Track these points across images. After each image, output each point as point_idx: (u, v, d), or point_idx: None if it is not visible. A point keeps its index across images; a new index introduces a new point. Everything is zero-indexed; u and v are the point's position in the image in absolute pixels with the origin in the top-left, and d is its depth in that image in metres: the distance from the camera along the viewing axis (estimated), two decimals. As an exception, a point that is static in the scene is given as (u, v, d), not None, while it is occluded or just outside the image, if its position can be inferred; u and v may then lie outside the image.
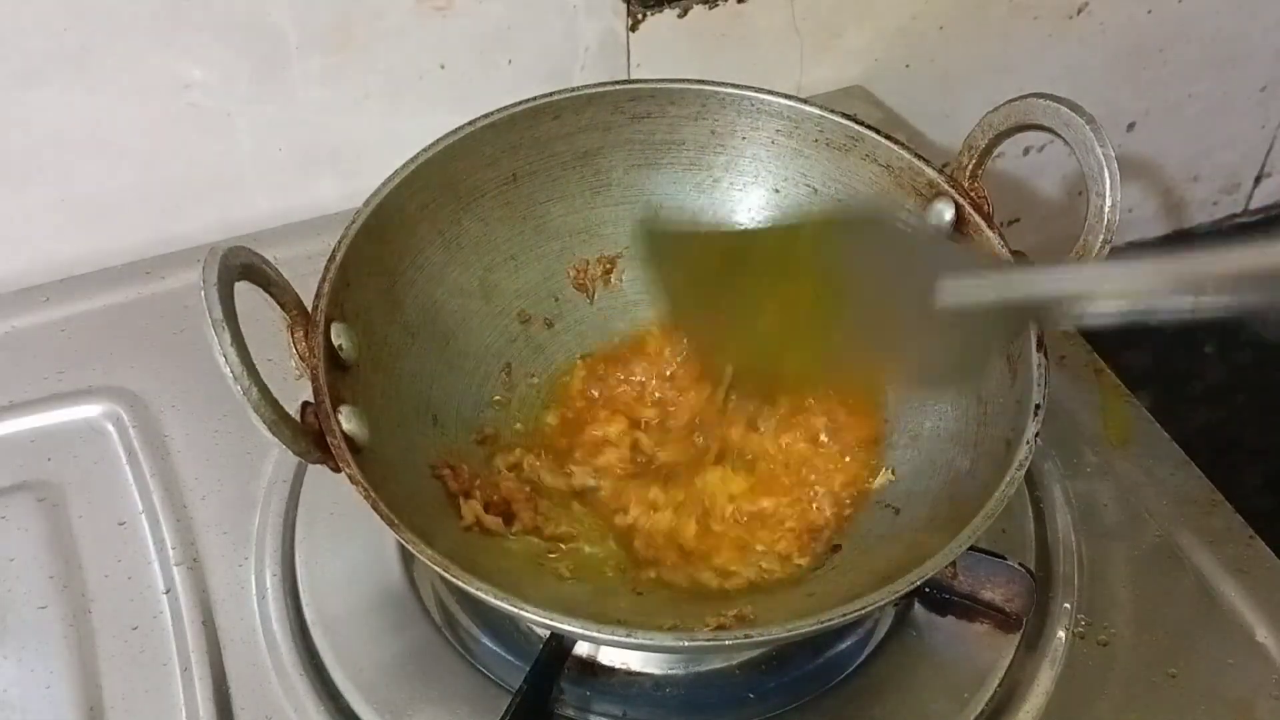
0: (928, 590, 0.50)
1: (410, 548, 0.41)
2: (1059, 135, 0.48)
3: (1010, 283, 0.46)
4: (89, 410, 0.60)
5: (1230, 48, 0.94)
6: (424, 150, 0.53)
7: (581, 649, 0.49)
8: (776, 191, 0.59)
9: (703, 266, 0.54)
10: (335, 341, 0.46)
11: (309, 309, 0.46)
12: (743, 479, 0.53)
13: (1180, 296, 0.40)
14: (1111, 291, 0.44)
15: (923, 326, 0.46)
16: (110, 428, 0.59)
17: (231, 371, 0.39)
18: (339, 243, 0.49)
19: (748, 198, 0.60)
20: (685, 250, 0.55)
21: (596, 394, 0.58)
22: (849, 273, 0.50)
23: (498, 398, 0.57)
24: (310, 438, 0.43)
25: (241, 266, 0.42)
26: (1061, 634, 0.51)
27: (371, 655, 0.50)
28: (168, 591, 0.53)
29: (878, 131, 0.55)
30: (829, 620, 0.39)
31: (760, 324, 0.52)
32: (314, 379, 0.44)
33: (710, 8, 0.73)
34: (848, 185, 0.57)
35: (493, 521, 0.50)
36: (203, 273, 0.40)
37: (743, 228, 0.59)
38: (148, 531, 0.55)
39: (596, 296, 0.60)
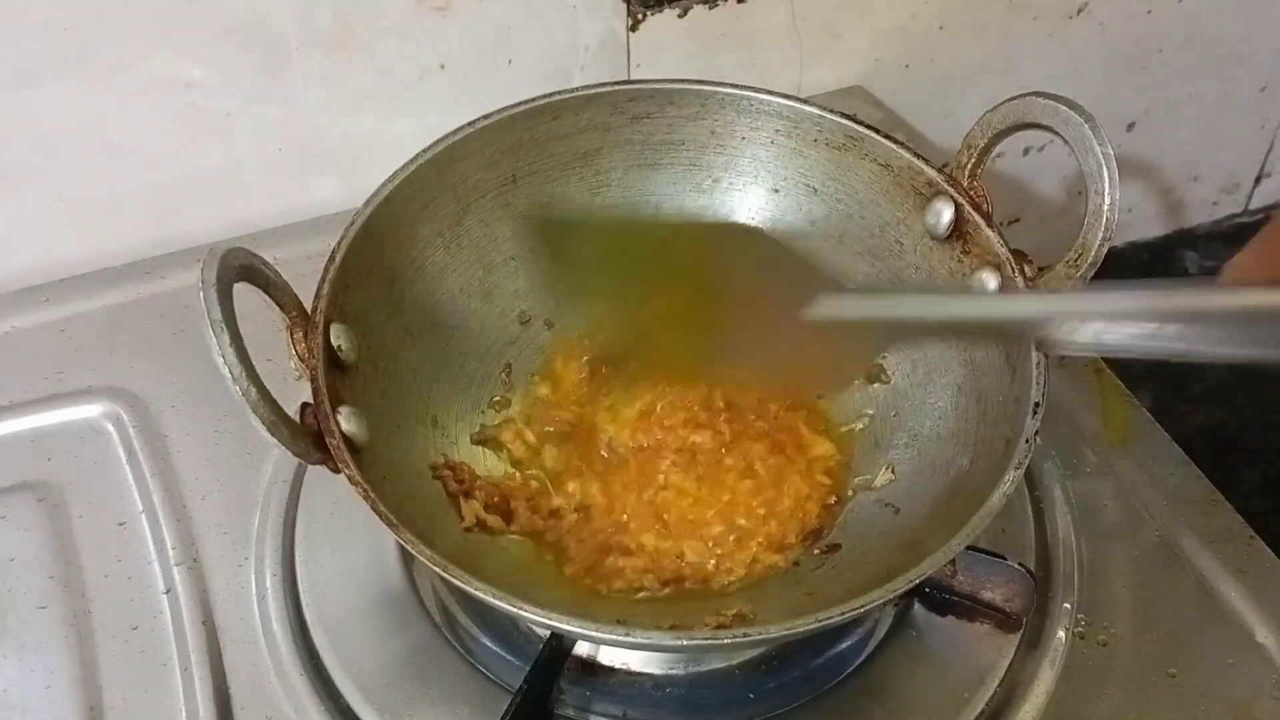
0: (927, 590, 0.50)
1: (410, 548, 0.41)
2: (1058, 135, 0.48)
3: (880, 306, 0.48)
4: (89, 410, 0.60)
5: (1230, 48, 0.94)
6: (424, 150, 0.53)
7: (581, 649, 0.49)
8: (776, 191, 0.59)
9: (590, 257, 0.56)
10: (335, 342, 0.46)
11: (309, 310, 0.46)
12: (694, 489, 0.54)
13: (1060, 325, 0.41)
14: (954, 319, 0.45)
15: (794, 333, 0.48)
16: (110, 428, 0.59)
17: (230, 372, 0.39)
18: (339, 243, 0.49)
19: (747, 198, 0.60)
20: (574, 241, 0.56)
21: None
22: (725, 277, 0.52)
23: (498, 398, 0.57)
24: (309, 438, 0.43)
25: (241, 267, 0.42)
26: (1061, 634, 0.51)
27: (371, 655, 0.50)
28: (168, 591, 0.53)
29: (877, 131, 0.55)
30: (829, 619, 0.39)
31: (645, 315, 0.54)
32: (313, 380, 0.44)
33: (710, 8, 0.73)
34: (847, 185, 0.57)
35: (494, 520, 0.51)
36: (202, 273, 0.40)
37: (631, 219, 0.60)
38: (148, 531, 0.55)
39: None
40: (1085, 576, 0.54)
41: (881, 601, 0.40)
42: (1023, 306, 0.46)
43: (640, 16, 0.72)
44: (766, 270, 0.53)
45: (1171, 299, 0.36)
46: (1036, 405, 0.45)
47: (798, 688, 0.49)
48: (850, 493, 0.54)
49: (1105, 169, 0.47)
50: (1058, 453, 0.59)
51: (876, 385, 0.57)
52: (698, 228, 0.59)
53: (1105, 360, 0.64)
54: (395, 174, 0.52)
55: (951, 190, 0.53)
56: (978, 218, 0.52)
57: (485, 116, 0.55)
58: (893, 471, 0.53)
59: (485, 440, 0.55)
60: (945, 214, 0.53)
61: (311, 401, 0.44)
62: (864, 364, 0.55)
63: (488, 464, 0.54)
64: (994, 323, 0.46)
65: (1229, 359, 0.35)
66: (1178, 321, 0.36)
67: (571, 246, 0.56)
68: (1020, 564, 0.50)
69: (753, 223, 0.60)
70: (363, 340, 0.48)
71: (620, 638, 0.40)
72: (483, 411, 0.56)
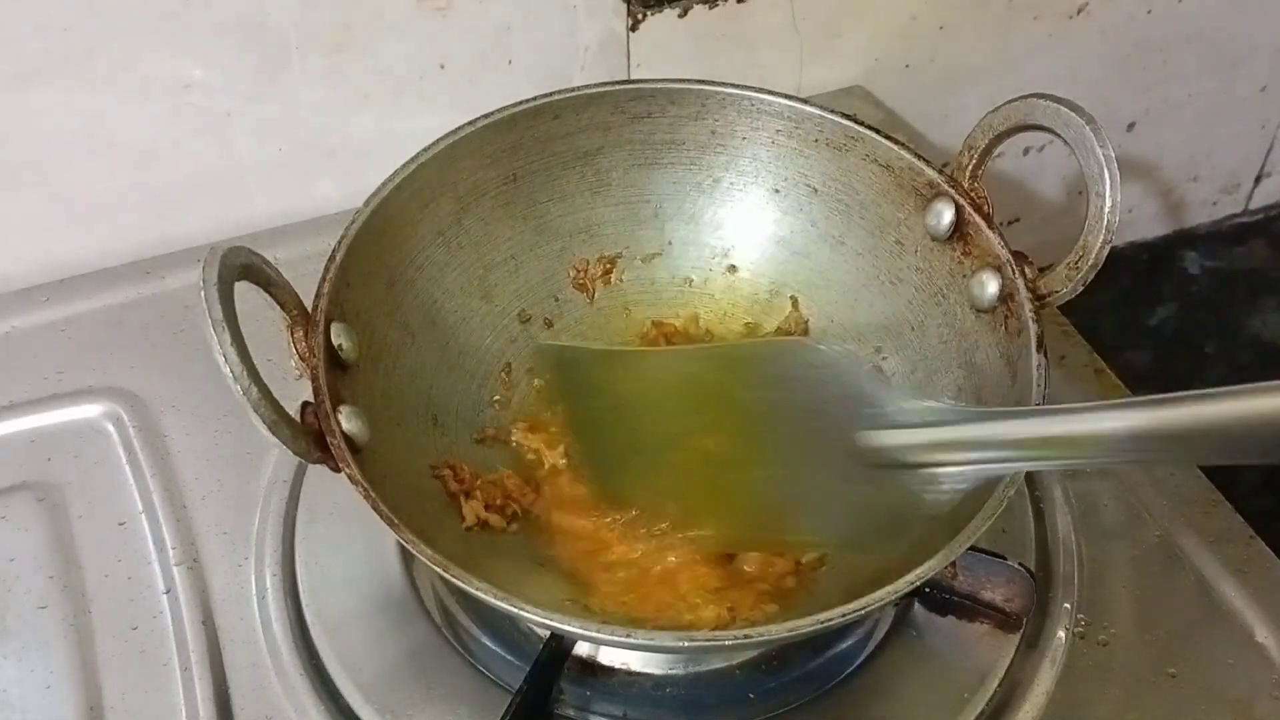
0: (928, 590, 0.50)
1: (410, 548, 0.41)
2: (1059, 135, 0.48)
3: (950, 432, 0.41)
4: (89, 410, 0.60)
5: (1230, 48, 0.94)
6: (424, 150, 0.53)
7: (581, 649, 0.49)
8: (776, 191, 0.59)
9: (607, 396, 0.51)
10: (335, 341, 0.46)
11: (309, 309, 0.46)
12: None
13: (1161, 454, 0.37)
14: (1064, 445, 0.39)
15: (844, 473, 0.43)
16: (110, 428, 0.59)
17: (231, 371, 0.39)
18: (339, 243, 0.49)
19: (748, 198, 0.60)
20: (589, 377, 0.53)
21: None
22: (767, 407, 0.46)
23: (498, 398, 0.57)
24: (310, 438, 0.43)
25: (241, 266, 0.42)
26: (1061, 634, 0.51)
27: (371, 655, 0.50)
28: (168, 591, 0.53)
29: (877, 131, 0.55)
30: (829, 620, 0.39)
31: (668, 471, 0.48)
32: (314, 379, 0.44)
33: (710, 8, 0.73)
34: (848, 185, 0.57)
35: (495, 519, 0.51)
36: (203, 273, 0.40)
37: (652, 350, 0.57)
38: (148, 531, 0.55)
39: (596, 296, 0.60)
40: (1085, 576, 0.54)
41: (883, 603, 0.40)
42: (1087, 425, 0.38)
43: (640, 16, 0.72)
44: (819, 397, 0.46)
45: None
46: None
47: (798, 688, 0.49)
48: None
49: (1106, 171, 0.47)
50: (1058, 453, 0.59)
51: (876, 385, 0.57)
52: (741, 351, 0.54)
53: (1105, 360, 0.64)
54: (395, 174, 0.52)
55: (952, 191, 0.53)
56: (978, 219, 0.52)
57: (485, 116, 0.55)
58: (893, 472, 0.53)
59: (485, 439, 0.55)
60: (946, 215, 0.53)
61: (312, 400, 0.44)
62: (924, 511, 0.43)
63: (488, 462, 0.54)
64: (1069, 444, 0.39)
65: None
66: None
67: (588, 388, 0.52)
68: (1020, 564, 0.50)
69: (799, 332, 0.57)
70: (363, 339, 0.49)
71: (620, 638, 0.39)
72: (483, 410, 0.56)
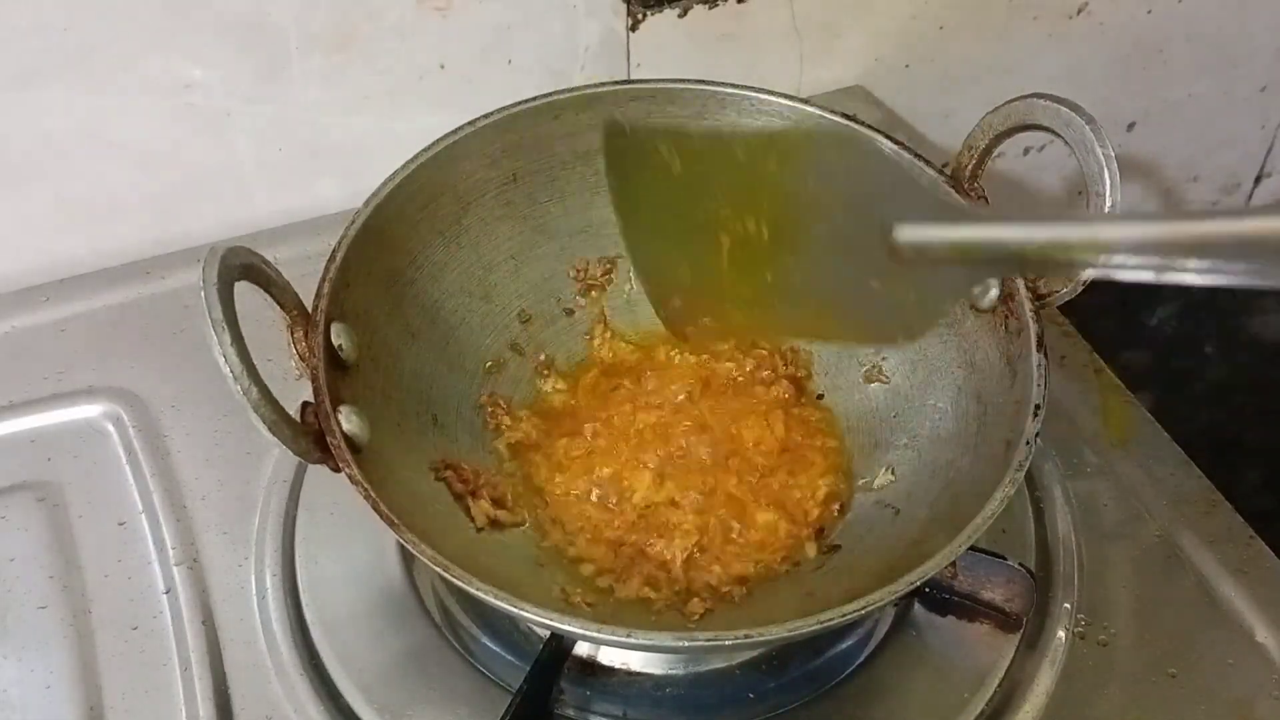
0: (928, 590, 0.50)
1: (410, 548, 0.41)
2: (1059, 135, 0.48)
3: (978, 231, 0.42)
4: (89, 410, 0.60)
5: (1230, 48, 0.94)
6: (424, 150, 0.53)
7: (581, 649, 0.49)
8: (776, 191, 0.59)
9: (663, 183, 0.50)
10: (335, 341, 0.46)
11: (309, 309, 0.46)
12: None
13: (1178, 262, 0.35)
14: (1096, 248, 0.38)
15: (879, 266, 0.44)
16: (110, 428, 0.59)
17: (231, 371, 0.39)
18: (339, 243, 0.49)
19: (748, 198, 0.60)
20: (647, 163, 0.51)
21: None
22: (814, 195, 0.47)
23: (499, 395, 0.57)
24: (310, 438, 0.43)
25: (241, 266, 0.42)
26: (1061, 634, 0.51)
27: (371, 655, 0.50)
28: (168, 591, 0.53)
29: (878, 131, 0.55)
30: (829, 620, 0.39)
31: (713, 259, 0.49)
32: (314, 379, 0.44)
33: (710, 8, 0.73)
34: (848, 185, 0.57)
35: (506, 515, 0.50)
36: (203, 273, 0.40)
37: (713, 131, 0.57)
38: (148, 531, 0.55)
39: (597, 296, 0.60)
40: (1085, 576, 0.54)
41: (883, 603, 0.40)
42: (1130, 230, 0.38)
43: (640, 16, 0.72)
44: (860, 189, 0.47)
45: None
46: (1037, 408, 0.45)
47: (798, 688, 0.49)
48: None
49: (1106, 170, 0.47)
50: (1058, 453, 0.59)
51: (876, 386, 0.57)
52: (794, 136, 0.55)
53: (1105, 360, 0.64)
54: (395, 174, 0.52)
55: (952, 191, 0.53)
56: (978, 218, 0.51)
57: (485, 116, 0.55)
58: (892, 473, 0.53)
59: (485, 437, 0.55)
60: (946, 214, 0.53)
61: (312, 400, 0.44)
62: (945, 308, 0.48)
63: (489, 461, 0.54)
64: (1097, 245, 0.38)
65: None
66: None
67: (642, 173, 0.51)
68: (1020, 564, 0.50)
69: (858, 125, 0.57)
70: (363, 339, 0.48)
71: (620, 638, 0.40)
72: (483, 409, 0.56)
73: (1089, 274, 0.44)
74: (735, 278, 0.49)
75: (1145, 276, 0.36)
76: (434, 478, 0.50)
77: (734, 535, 0.52)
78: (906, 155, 0.54)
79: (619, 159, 0.52)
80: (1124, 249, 0.36)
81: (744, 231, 0.48)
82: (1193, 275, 0.34)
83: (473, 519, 0.50)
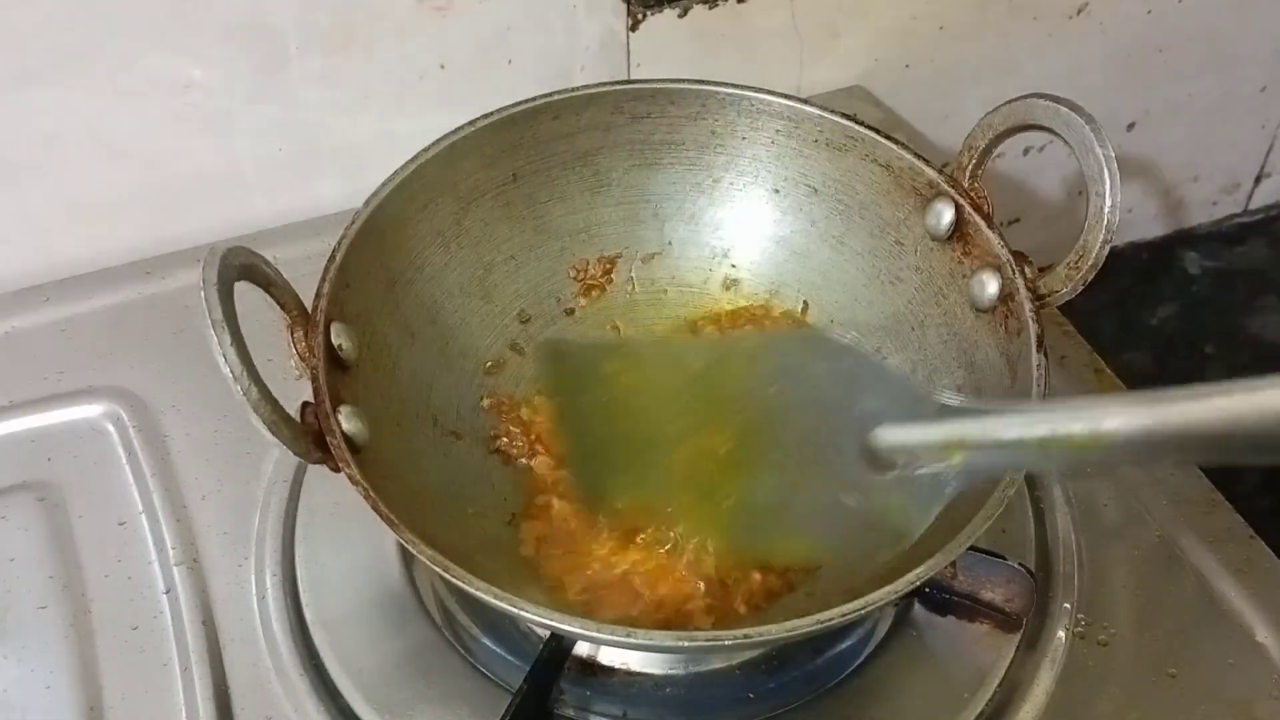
0: (928, 590, 0.50)
1: (410, 548, 0.41)
2: (1059, 135, 0.48)
3: (963, 427, 0.38)
4: (89, 410, 0.60)
5: (1230, 48, 0.94)
6: (424, 150, 0.53)
7: (581, 649, 0.49)
8: (776, 191, 0.59)
9: (602, 391, 0.48)
10: (335, 341, 0.46)
11: (309, 309, 0.46)
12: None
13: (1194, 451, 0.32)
14: (1100, 441, 0.33)
15: (857, 476, 0.40)
16: (110, 428, 0.59)
17: (231, 371, 0.39)
18: (339, 243, 0.49)
19: (747, 198, 0.60)
20: (594, 373, 0.49)
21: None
22: (779, 404, 0.44)
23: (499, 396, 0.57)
24: (310, 438, 0.43)
25: (241, 266, 0.42)
26: (1061, 634, 0.51)
27: (371, 655, 0.50)
28: (168, 591, 0.53)
29: (877, 131, 0.55)
30: (829, 620, 0.39)
31: (668, 481, 0.46)
32: (314, 379, 0.44)
33: (710, 8, 0.73)
34: (848, 185, 0.57)
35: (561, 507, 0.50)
36: (203, 273, 0.40)
37: (652, 342, 0.57)
38: (148, 531, 0.55)
39: (596, 296, 0.60)
40: (1085, 576, 0.54)
41: (883, 603, 0.40)
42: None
43: (640, 16, 0.72)
44: (831, 391, 0.44)
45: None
46: (1037, 406, 0.45)
47: (798, 688, 0.49)
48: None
49: (1106, 170, 0.47)
50: (1058, 453, 0.59)
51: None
52: (748, 343, 0.53)
53: (1105, 360, 0.64)
54: (395, 174, 0.52)
55: (952, 191, 0.53)
56: (978, 219, 0.52)
57: (485, 116, 0.55)
58: (893, 472, 0.53)
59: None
60: (946, 215, 0.53)
61: (312, 401, 0.44)
62: (934, 510, 0.41)
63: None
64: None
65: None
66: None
67: (591, 384, 0.49)
68: (1020, 564, 0.50)
69: (811, 319, 0.56)
70: (363, 339, 0.49)
71: (620, 638, 0.39)
72: (483, 410, 0.56)
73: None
74: (694, 502, 0.46)
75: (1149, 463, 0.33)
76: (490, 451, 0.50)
77: None
78: (872, 361, 0.50)
79: (560, 380, 0.51)
80: (1132, 442, 0.32)
81: (702, 448, 0.45)
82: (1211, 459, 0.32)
83: (521, 542, 0.50)
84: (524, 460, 0.52)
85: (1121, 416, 0.32)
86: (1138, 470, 0.58)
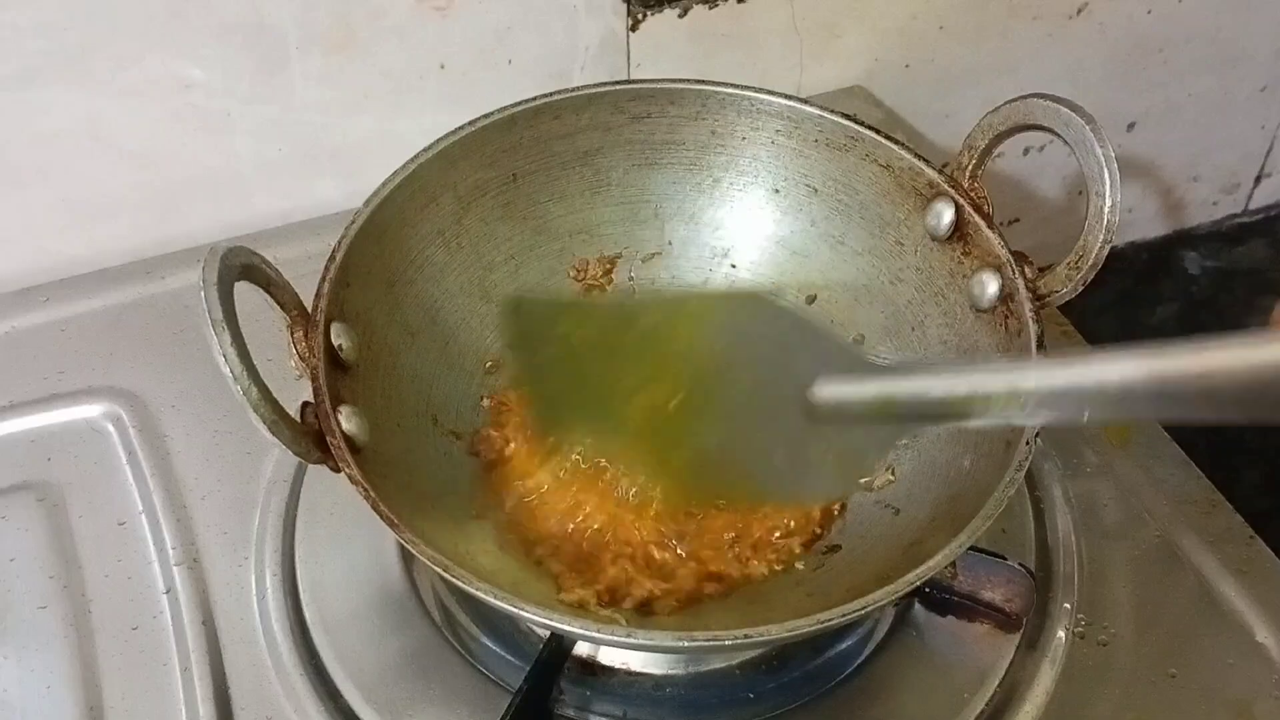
0: (928, 590, 0.50)
1: (410, 548, 0.41)
2: (1059, 135, 0.48)
3: (893, 384, 0.41)
4: (89, 410, 0.60)
5: (1230, 48, 0.94)
6: (424, 150, 0.53)
7: (581, 649, 0.49)
8: (776, 191, 0.59)
9: (567, 359, 0.51)
10: (335, 341, 0.46)
11: (309, 309, 0.46)
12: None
13: (1097, 409, 0.34)
14: (1019, 397, 0.36)
15: (797, 427, 0.43)
16: (110, 428, 0.59)
17: (231, 371, 0.39)
18: (339, 243, 0.49)
19: (748, 198, 0.60)
20: (553, 329, 0.52)
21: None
22: (727, 359, 0.47)
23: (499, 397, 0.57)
24: (310, 438, 0.43)
25: (241, 266, 0.42)
26: (1061, 634, 0.51)
27: (371, 655, 0.50)
28: (168, 591, 0.53)
29: (877, 131, 0.55)
30: (829, 620, 0.39)
31: (625, 430, 0.48)
32: (314, 379, 0.44)
33: (710, 8, 0.73)
34: (848, 185, 0.57)
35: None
36: (203, 273, 0.40)
37: (609, 302, 0.58)
38: (148, 531, 0.55)
39: (597, 297, 0.60)
40: (1085, 576, 0.54)
41: (883, 603, 0.40)
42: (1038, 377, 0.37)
43: (640, 16, 0.72)
44: (773, 349, 0.47)
45: (1177, 361, 0.33)
46: (1037, 406, 0.45)
47: (798, 688, 0.49)
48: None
49: (1106, 170, 0.47)
50: (1058, 453, 0.59)
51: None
52: (701, 302, 0.55)
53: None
54: (395, 174, 0.52)
55: (952, 191, 0.53)
56: (978, 219, 0.52)
57: (485, 116, 0.55)
58: (892, 473, 0.53)
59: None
60: (946, 215, 0.53)
61: (312, 400, 0.44)
62: (869, 465, 0.47)
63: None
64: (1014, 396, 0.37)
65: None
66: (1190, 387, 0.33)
67: (550, 339, 0.52)
68: (1020, 564, 0.50)
69: (759, 287, 0.58)
70: (363, 339, 0.49)
71: (620, 638, 0.40)
72: (483, 411, 0.56)
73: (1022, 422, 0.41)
74: (647, 449, 0.48)
75: (1071, 419, 0.35)
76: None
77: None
78: (811, 322, 0.53)
79: (520, 337, 0.53)
80: (1047, 397, 0.35)
81: (655, 401, 0.48)
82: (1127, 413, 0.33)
83: (559, 587, 0.48)
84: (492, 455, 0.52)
85: (1035, 377, 0.36)
86: (1137, 470, 0.58)
